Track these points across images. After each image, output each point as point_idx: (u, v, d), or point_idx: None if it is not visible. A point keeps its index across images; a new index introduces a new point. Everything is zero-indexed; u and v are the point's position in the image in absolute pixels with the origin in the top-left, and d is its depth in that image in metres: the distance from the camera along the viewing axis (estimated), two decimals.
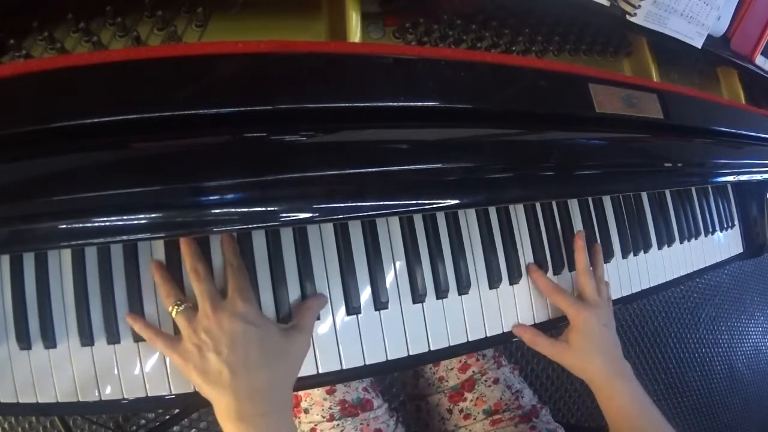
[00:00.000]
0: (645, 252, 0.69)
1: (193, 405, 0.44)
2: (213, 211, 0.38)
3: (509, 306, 0.57)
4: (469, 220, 0.56)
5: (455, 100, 0.46)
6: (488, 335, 0.56)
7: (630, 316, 1.66)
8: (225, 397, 0.40)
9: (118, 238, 0.37)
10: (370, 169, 0.41)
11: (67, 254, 0.44)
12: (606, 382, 0.54)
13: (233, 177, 0.38)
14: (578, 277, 0.58)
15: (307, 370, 0.48)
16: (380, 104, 0.42)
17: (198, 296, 0.43)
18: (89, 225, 0.35)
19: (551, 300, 0.58)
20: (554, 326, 0.59)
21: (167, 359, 0.45)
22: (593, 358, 0.54)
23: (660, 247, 0.72)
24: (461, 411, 0.67)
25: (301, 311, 0.47)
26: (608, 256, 0.65)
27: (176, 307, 0.43)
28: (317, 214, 0.41)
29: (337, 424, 0.62)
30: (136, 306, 0.44)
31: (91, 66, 0.36)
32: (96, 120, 0.35)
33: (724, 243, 0.84)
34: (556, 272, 0.60)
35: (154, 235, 0.39)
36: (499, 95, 0.48)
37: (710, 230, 0.80)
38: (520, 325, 0.57)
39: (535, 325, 0.58)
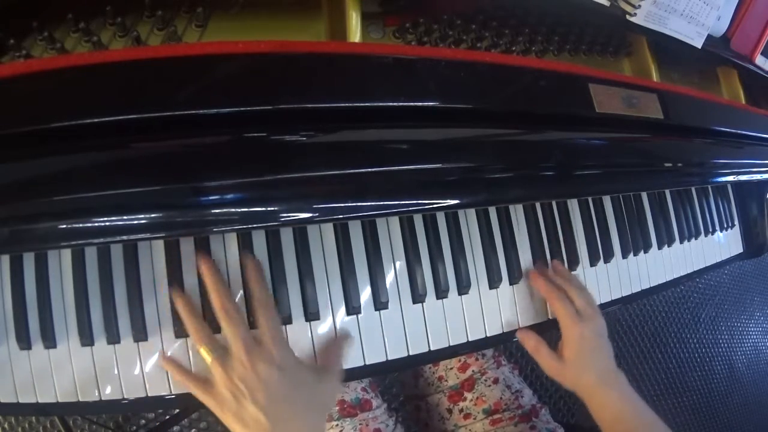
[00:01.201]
0: (645, 252, 0.69)
1: (193, 405, 0.44)
2: (213, 211, 0.38)
3: (509, 306, 0.57)
4: (469, 220, 0.56)
5: (455, 100, 0.46)
6: (488, 335, 0.56)
7: (630, 316, 1.66)
8: None
9: (118, 238, 0.37)
10: (370, 169, 0.41)
11: (67, 254, 0.44)
12: (598, 393, 0.53)
13: (233, 177, 0.38)
14: (564, 290, 0.56)
15: None
16: (380, 104, 0.42)
17: (231, 341, 0.41)
18: (89, 225, 0.35)
19: (550, 305, 0.57)
20: (555, 326, 0.59)
21: None
22: (588, 371, 0.54)
23: (660, 247, 0.72)
24: (461, 411, 0.67)
25: (330, 352, 0.47)
26: (608, 256, 0.65)
27: (210, 352, 0.41)
28: (317, 214, 0.41)
29: (336, 425, 0.62)
30: (136, 306, 0.44)
31: (91, 66, 0.36)
32: (96, 120, 0.35)
33: (724, 243, 0.84)
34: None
35: (154, 235, 0.39)
36: (499, 95, 0.48)
37: (710, 230, 0.80)
38: (526, 330, 0.57)
39: (534, 326, 0.58)
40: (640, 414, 0.52)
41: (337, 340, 0.49)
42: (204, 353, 0.42)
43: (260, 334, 0.42)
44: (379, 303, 0.51)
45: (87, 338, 0.43)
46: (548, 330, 0.59)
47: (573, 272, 0.61)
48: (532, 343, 0.56)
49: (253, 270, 0.44)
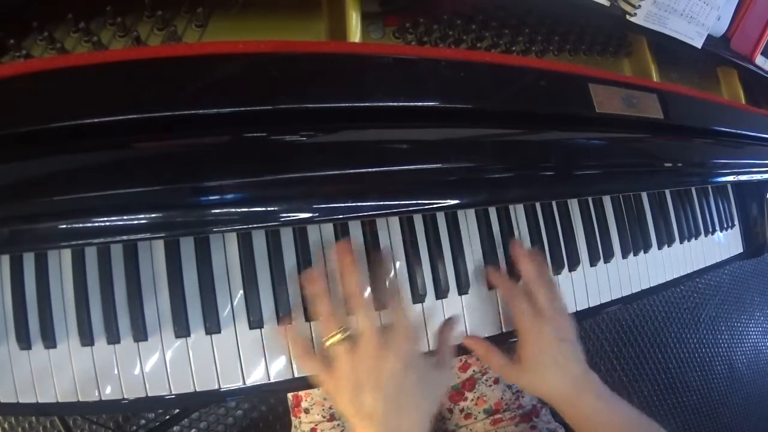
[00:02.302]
0: (645, 252, 0.69)
1: (193, 405, 0.44)
2: (213, 211, 0.38)
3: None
4: (469, 220, 0.56)
5: (455, 100, 0.46)
6: (488, 335, 0.56)
7: (630, 316, 1.66)
8: (371, 429, 0.41)
9: (118, 238, 0.37)
10: (370, 169, 0.41)
11: (67, 254, 0.44)
12: (569, 401, 0.50)
13: (233, 177, 0.38)
14: (528, 286, 0.53)
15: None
16: (380, 104, 0.42)
17: (363, 332, 0.42)
18: (89, 225, 0.35)
19: (509, 305, 0.53)
20: None
21: (167, 359, 0.45)
22: (549, 376, 0.49)
23: (660, 247, 0.72)
24: (462, 410, 0.67)
25: (441, 346, 0.49)
26: (608, 256, 0.65)
27: (341, 333, 0.42)
28: (317, 214, 0.41)
29: (338, 424, 0.62)
30: (136, 306, 0.44)
31: (91, 66, 0.36)
32: (96, 120, 0.35)
33: (724, 243, 0.84)
34: (556, 272, 0.60)
35: (154, 235, 0.39)
36: (499, 95, 0.48)
37: (710, 230, 0.81)
38: (474, 337, 0.53)
39: None
40: (619, 414, 0.49)
41: (444, 330, 0.49)
42: (332, 337, 0.42)
43: (394, 326, 0.43)
44: (380, 303, 0.51)
45: (87, 338, 0.43)
46: None
47: (573, 272, 0.61)
48: (482, 350, 0.52)
49: (384, 264, 0.46)
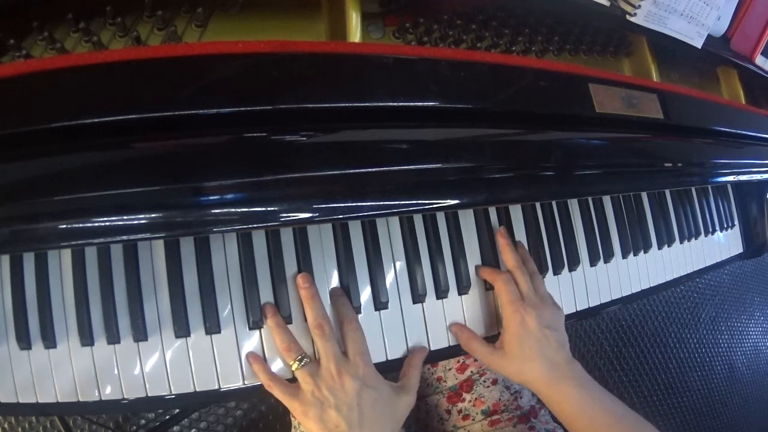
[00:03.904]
0: (645, 252, 0.69)
1: (193, 405, 0.45)
2: (213, 211, 0.38)
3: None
4: (469, 220, 0.56)
5: (455, 100, 0.46)
6: (487, 335, 0.56)
7: (630, 316, 1.66)
8: None
9: (118, 238, 0.37)
10: (370, 169, 0.41)
11: (67, 254, 0.44)
12: (551, 388, 0.50)
13: (233, 177, 0.38)
14: (512, 274, 0.54)
15: None
16: (380, 104, 0.42)
17: (322, 355, 0.46)
18: (89, 225, 0.35)
19: (496, 291, 0.54)
20: None
21: (167, 359, 0.45)
22: (533, 364, 0.50)
23: (660, 247, 0.72)
24: (460, 411, 0.67)
25: (408, 370, 0.50)
26: (608, 256, 0.65)
27: (298, 362, 0.45)
28: (317, 214, 0.41)
29: None
30: (136, 306, 0.44)
31: (91, 66, 0.36)
32: (96, 120, 0.35)
33: (724, 243, 0.84)
34: (555, 272, 0.60)
35: (154, 235, 0.39)
36: (499, 95, 0.48)
37: (710, 230, 0.81)
38: (458, 324, 0.54)
39: None
40: (602, 404, 0.49)
41: (413, 356, 0.51)
42: (293, 364, 0.45)
43: (348, 351, 0.47)
44: (379, 303, 0.51)
45: (87, 338, 0.43)
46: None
47: (573, 272, 0.61)
48: (464, 338, 0.53)
49: (339, 296, 0.49)
